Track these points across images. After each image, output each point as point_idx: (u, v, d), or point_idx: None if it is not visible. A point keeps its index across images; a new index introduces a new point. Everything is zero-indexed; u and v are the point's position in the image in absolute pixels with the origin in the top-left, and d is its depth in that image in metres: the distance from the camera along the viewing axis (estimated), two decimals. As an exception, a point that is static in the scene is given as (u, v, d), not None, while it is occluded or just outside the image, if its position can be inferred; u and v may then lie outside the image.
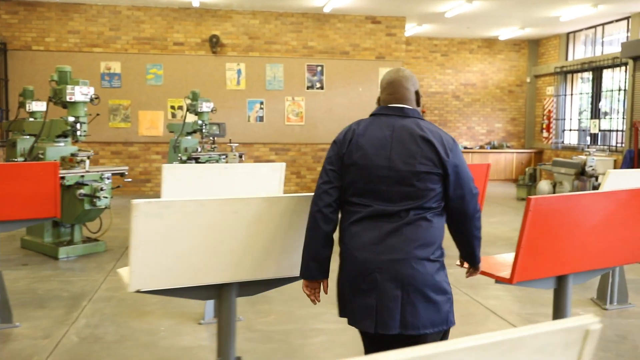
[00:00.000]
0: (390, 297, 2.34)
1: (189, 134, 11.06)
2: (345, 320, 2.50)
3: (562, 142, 15.12)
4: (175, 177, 4.12)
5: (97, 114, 7.01)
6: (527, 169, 12.54)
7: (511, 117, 16.27)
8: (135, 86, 12.13)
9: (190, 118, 10.68)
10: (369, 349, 2.54)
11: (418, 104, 2.61)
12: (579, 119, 14.76)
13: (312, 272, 2.53)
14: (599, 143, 13.80)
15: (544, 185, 8.10)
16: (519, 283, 2.80)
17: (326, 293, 2.59)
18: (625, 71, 12.61)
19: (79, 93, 6.51)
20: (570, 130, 15.03)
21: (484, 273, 2.89)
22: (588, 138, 14.26)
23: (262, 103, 12.60)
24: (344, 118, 12.49)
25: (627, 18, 12.68)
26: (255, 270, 2.70)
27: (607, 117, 13.70)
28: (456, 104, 16.00)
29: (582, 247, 2.82)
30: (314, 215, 2.50)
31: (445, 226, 2.55)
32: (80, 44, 11.91)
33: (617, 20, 13.10)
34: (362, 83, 12.86)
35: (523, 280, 2.71)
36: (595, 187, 7.36)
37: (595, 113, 13.94)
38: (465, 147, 15.79)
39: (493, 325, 4.58)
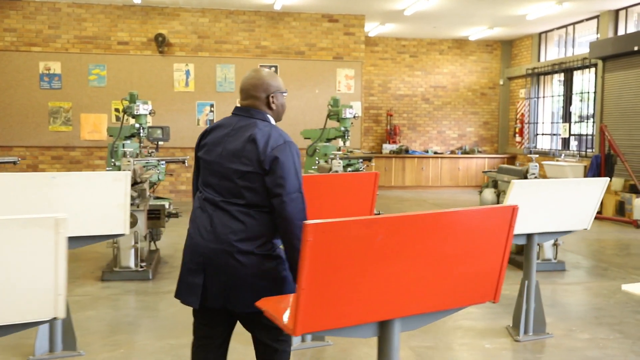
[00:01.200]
0: (215, 280, 2.57)
1: (127, 138, 10.44)
2: None
3: (535, 147, 14.47)
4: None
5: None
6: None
7: (484, 120, 15.62)
8: (76, 87, 11.48)
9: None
10: (197, 321, 2.77)
11: (270, 107, 2.75)
12: (552, 123, 14.10)
13: None
14: (571, 148, 13.15)
15: (487, 194, 7.45)
16: (323, 332, 2.15)
17: None
18: (595, 73, 11.96)
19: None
20: (542, 134, 14.38)
21: (268, 315, 2.23)
22: (560, 143, 13.62)
23: (212, 106, 11.95)
24: (299, 122, 11.85)
25: (597, 17, 12.04)
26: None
27: (584, 120, 13.03)
28: (426, 107, 15.35)
29: (401, 286, 2.16)
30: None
31: None
32: (17, 43, 11.26)
33: (587, 19, 12.46)
34: (319, 85, 12.22)
35: (310, 331, 2.05)
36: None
37: (566, 117, 13.30)
38: (435, 152, 15.14)
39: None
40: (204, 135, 2.79)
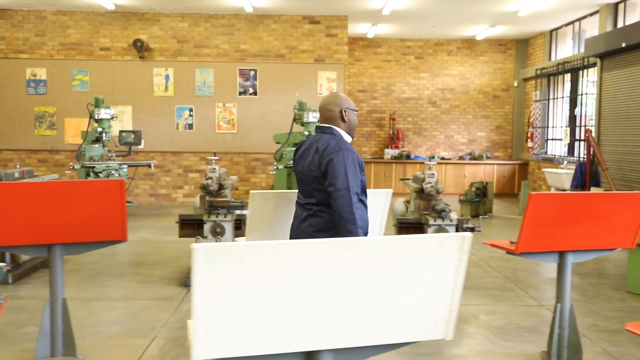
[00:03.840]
0: None
1: (94, 141, 10.62)
2: None
3: (545, 152, 13.45)
4: None
5: None
6: (472, 183, 11.17)
7: (496, 124, 14.73)
8: (61, 93, 11.83)
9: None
10: None
11: (343, 119, 3.29)
12: (560, 127, 13.05)
13: None
14: (576, 154, 12.09)
15: (398, 204, 6.88)
16: None
17: None
18: (596, 72, 10.94)
19: None
20: (553, 139, 13.34)
21: None
22: (566, 148, 12.58)
23: (191, 110, 11.96)
24: (279, 126, 11.63)
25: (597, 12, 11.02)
26: None
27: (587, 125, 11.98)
28: (432, 111, 14.68)
29: None
30: None
31: None
32: (6, 50, 11.76)
33: (591, 15, 11.44)
34: (300, 88, 11.93)
35: None
36: (434, 210, 6.08)
37: (571, 120, 12.26)
38: (442, 158, 14.43)
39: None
40: (295, 152, 3.41)
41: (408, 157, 14.15)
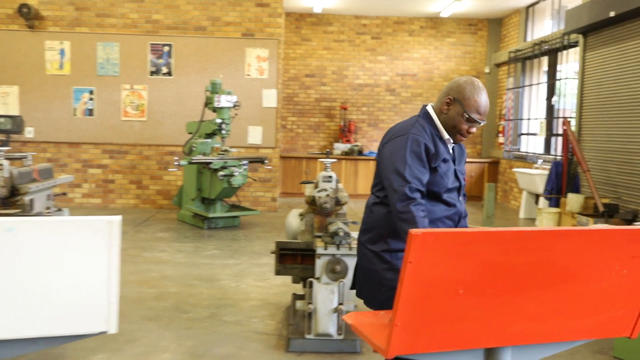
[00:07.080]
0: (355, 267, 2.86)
1: (-45, 128, 8.55)
2: None
3: (518, 149, 11.52)
4: None
5: None
6: (426, 186, 9.19)
7: (464, 117, 12.76)
8: None
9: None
10: None
11: (442, 109, 2.66)
12: (533, 120, 11.12)
13: None
14: (553, 152, 10.17)
15: (292, 217, 4.87)
16: None
17: None
18: (578, 53, 9.00)
19: None
20: (527, 134, 11.39)
21: None
22: (542, 144, 10.65)
23: (92, 92, 9.87)
24: (198, 113, 9.55)
25: (581, -22, 9.09)
26: None
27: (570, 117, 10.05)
28: (391, 100, 12.70)
29: None
30: None
31: None
32: None
33: (572, -16, 9.52)
34: (224, 68, 9.89)
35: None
36: (327, 231, 4.11)
37: (549, 111, 10.34)
38: (402, 154, 12.44)
39: None
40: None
41: (360, 152, 12.16)
